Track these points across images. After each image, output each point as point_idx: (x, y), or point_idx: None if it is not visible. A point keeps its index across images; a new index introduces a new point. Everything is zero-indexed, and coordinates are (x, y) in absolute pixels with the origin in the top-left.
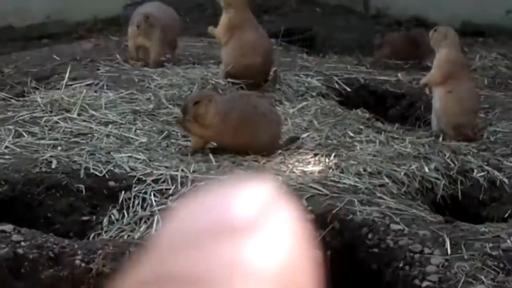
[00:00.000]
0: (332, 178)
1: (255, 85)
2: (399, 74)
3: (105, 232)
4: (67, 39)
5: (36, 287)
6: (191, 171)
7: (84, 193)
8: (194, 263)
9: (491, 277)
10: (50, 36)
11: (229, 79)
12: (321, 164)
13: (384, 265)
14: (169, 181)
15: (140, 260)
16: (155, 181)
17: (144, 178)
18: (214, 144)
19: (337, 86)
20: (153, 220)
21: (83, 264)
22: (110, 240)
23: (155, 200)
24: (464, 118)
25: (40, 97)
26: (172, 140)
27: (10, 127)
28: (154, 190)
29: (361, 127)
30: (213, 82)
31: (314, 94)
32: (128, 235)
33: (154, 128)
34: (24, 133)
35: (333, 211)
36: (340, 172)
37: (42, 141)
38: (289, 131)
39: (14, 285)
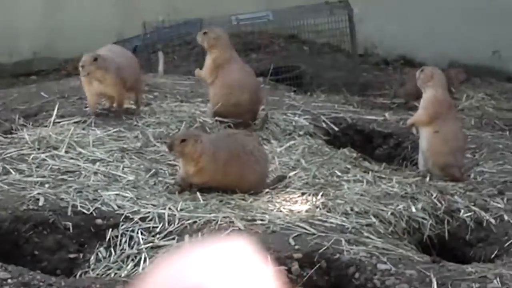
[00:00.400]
0: (319, 217)
1: (243, 124)
2: (386, 114)
3: (92, 270)
4: (54, 76)
5: None
6: (178, 209)
7: (71, 230)
8: None
9: None
10: (37, 72)
11: (217, 118)
12: (308, 203)
13: None
14: (157, 219)
15: None
16: (143, 219)
17: (131, 216)
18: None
19: (324, 125)
20: (140, 258)
21: None
22: (97, 278)
23: (142, 238)
24: (451, 158)
25: (28, 134)
26: (160, 178)
27: None
28: (142, 228)
29: (349, 166)
30: (201, 120)
31: (301, 133)
32: (115, 273)
33: (142, 166)
34: (11, 170)
35: (320, 250)
36: (327, 211)
37: (30, 179)
38: (277, 170)
39: None
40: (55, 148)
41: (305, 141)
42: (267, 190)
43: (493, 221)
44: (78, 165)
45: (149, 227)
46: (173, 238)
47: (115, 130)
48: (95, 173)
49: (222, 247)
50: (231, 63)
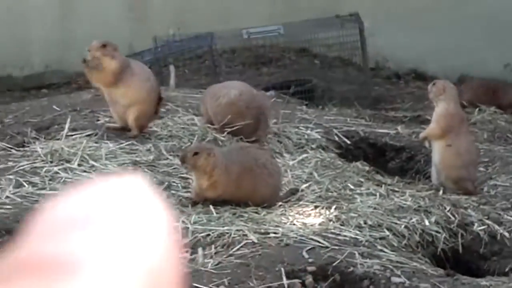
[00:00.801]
0: (333, 231)
1: (251, 127)
2: (398, 127)
3: None
4: (65, 89)
5: None
6: (191, 222)
7: None
8: (61, 248)
9: None
10: (48, 86)
11: (225, 128)
12: (321, 216)
13: None
14: None
15: (12, 245)
16: None
17: None
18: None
19: (337, 139)
20: None
21: None
22: None
23: None
24: (464, 171)
25: (40, 147)
26: (173, 191)
27: (11, 177)
28: None
29: (361, 179)
30: (213, 134)
31: (314, 146)
32: None
33: (154, 179)
34: (24, 183)
35: (334, 264)
36: (341, 225)
37: (43, 191)
38: (289, 183)
39: None
40: (68, 161)
41: (318, 154)
42: (280, 203)
43: (507, 234)
44: (91, 178)
45: None
46: (187, 251)
47: (127, 143)
48: None
49: (114, 184)
50: None
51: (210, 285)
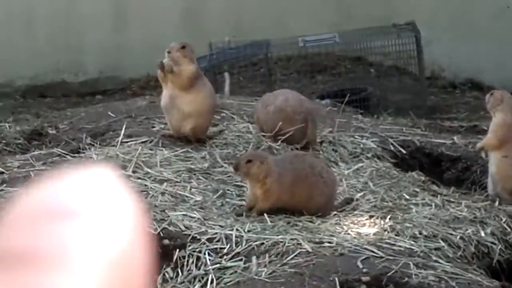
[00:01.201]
0: (388, 241)
1: (300, 131)
2: (454, 137)
3: None
4: (120, 95)
5: None
6: (246, 230)
7: None
8: (32, 241)
9: None
10: (103, 92)
11: (278, 138)
12: (376, 226)
13: None
14: (224, 240)
15: None
16: (210, 240)
17: (198, 237)
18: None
19: (392, 148)
20: (207, 279)
21: None
22: None
23: (209, 259)
24: None
25: (96, 154)
26: (227, 199)
27: None
28: (209, 249)
29: (417, 189)
30: (268, 142)
31: (369, 155)
32: None
33: (209, 186)
34: None
35: (389, 274)
36: (396, 235)
37: None
38: (344, 192)
39: None
40: (123, 168)
41: (373, 163)
42: (334, 212)
43: None
44: (146, 185)
45: (216, 248)
46: (241, 260)
47: (182, 150)
48: (163, 193)
49: (85, 174)
50: None
51: None
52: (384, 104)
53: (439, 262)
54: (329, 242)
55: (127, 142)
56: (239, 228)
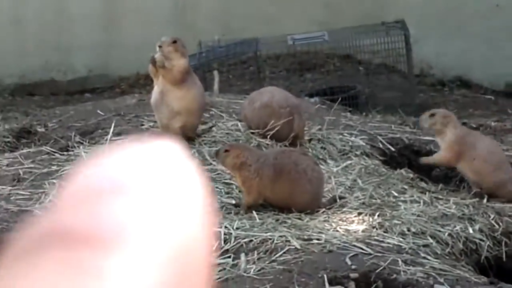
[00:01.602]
0: (376, 237)
1: (287, 126)
2: None
3: None
4: (109, 93)
5: None
6: (234, 227)
7: None
8: (89, 220)
9: None
10: (92, 90)
11: (267, 134)
12: (365, 223)
13: None
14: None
15: (41, 216)
16: None
17: None
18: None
19: (381, 146)
20: None
21: None
22: None
23: None
24: (499, 173)
25: (85, 152)
26: (216, 197)
27: (55, 181)
28: None
29: (405, 187)
30: (257, 139)
31: (358, 153)
32: None
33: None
34: None
35: (377, 270)
36: (384, 232)
37: None
38: (333, 189)
39: None
40: None
41: (362, 161)
42: (323, 209)
43: None
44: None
45: None
46: (229, 257)
47: None
48: None
49: (147, 147)
50: None
51: None
52: (373, 102)
53: (427, 259)
54: (318, 239)
55: (116, 140)
56: (227, 226)
